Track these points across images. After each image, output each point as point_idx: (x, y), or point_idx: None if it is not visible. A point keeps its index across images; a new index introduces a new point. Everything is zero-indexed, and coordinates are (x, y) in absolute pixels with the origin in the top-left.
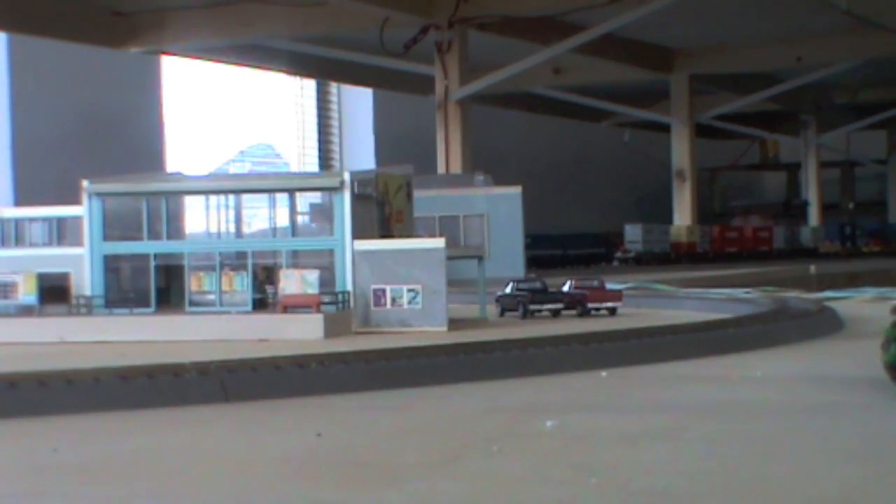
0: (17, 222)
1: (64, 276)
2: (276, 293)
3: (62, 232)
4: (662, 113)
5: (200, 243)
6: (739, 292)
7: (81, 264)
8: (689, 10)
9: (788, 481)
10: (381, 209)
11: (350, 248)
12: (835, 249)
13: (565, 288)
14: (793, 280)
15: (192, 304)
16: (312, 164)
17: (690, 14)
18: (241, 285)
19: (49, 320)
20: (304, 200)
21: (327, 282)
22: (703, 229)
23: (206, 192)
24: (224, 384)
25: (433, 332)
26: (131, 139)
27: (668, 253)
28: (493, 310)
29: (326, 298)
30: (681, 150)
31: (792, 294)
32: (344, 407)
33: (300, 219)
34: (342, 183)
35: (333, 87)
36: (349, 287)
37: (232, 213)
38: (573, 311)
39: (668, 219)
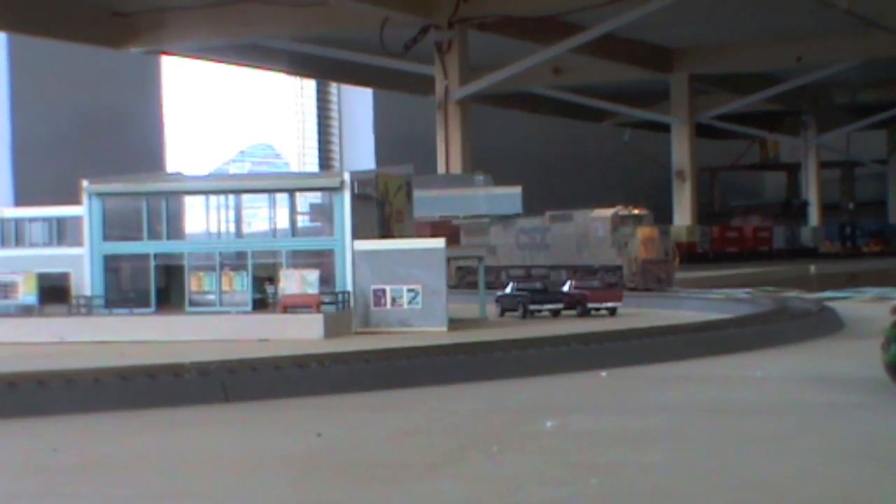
0: (17, 222)
1: (64, 276)
2: (276, 293)
3: (62, 232)
4: (662, 113)
5: (200, 243)
6: (739, 292)
7: (81, 264)
8: (689, 10)
9: (788, 481)
10: (381, 209)
11: (350, 248)
12: (835, 249)
13: (565, 288)
14: (793, 280)
15: (192, 304)
16: (312, 164)
17: (690, 14)
18: (241, 285)
19: (49, 320)
20: (304, 200)
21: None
22: (703, 229)
23: (206, 192)
24: (224, 384)
25: (433, 332)
26: (131, 139)
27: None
28: (493, 310)
29: (326, 298)
30: (681, 150)
31: (792, 294)
32: (344, 407)
33: (300, 219)
34: (342, 183)
35: (333, 87)
36: (349, 287)
37: (232, 213)
38: (573, 311)
39: (668, 219)
